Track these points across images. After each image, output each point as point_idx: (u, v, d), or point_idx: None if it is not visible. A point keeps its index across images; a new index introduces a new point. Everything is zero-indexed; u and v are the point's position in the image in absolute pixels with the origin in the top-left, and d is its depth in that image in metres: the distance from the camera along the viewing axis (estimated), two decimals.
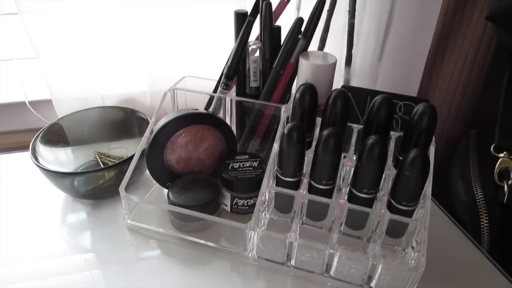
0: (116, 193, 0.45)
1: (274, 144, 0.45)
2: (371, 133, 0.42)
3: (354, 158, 0.43)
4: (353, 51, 0.73)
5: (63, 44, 0.62)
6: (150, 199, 0.51)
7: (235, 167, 0.48)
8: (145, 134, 0.48)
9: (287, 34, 0.47)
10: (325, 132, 0.39)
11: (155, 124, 0.48)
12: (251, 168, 0.48)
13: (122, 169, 0.47)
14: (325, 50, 0.69)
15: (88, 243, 0.46)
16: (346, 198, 0.42)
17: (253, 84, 0.50)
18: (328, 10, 0.66)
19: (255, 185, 0.45)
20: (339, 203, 0.41)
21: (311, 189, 0.42)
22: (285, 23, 0.50)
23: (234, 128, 0.54)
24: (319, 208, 0.43)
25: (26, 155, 0.49)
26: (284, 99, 0.50)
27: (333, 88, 0.45)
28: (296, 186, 0.43)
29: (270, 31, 0.48)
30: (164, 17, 0.64)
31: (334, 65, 0.47)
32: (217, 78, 0.53)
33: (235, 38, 0.49)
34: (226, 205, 0.49)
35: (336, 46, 0.74)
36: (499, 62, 0.55)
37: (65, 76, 0.65)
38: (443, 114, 0.62)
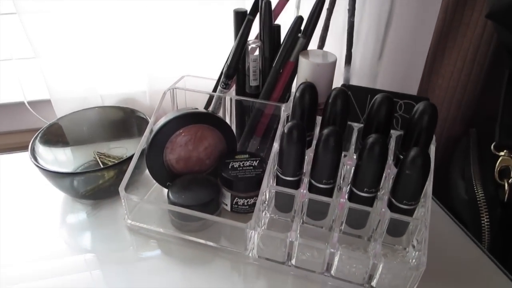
0: (116, 193, 0.45)
1: (274, 143, 0.44)
2: (372, 132, 0.42)
3: (355, 157, 0.43)
4: (353, 50, 0.73)
5: (62, 44, 0.62)
6: (150, 199, 0.51)
7: (235, 166, 0.48)
8: (144, 134, 0.48)
9: (287, 33, 0.47)
10: (325, 131, 0.38)
11: (155, 124, 0.48)
12: (251, 167, 0.48)
13: (121, 169, 0.47)
14: (325, 48, 0.69)
15: (88, 243, 0.46)
16: (346, 197, 0.42)
17: (253, 83, 0.50)
18: (327, 9, 0.67)
19: (255, 184, 0.45)
20: (340, 202, 0.41)
21: (312, 188, 0.42)
22: (284, 21, 0.49)
23: (234, 127, 0.54)
24: (320, 207, 0.43)
25: (25, 155, 0.48)
26: (284, 98, 0.50)
27: (333, 87, 0.45)
28: (296, 185, 0.43)
29: (270, 30, 0.48)
30: (163, 16, 0.64)
31: (334, 63, 0.47)
32: (217, 77, 0.53)
33: (234, 37, 0.49)
34: (226, 205, 0.49)
35: (336, 45, 0.74)
36: (499, 61, 0.55)
37: (64, 76, 0.65)
38: (443, 113, 0.62)
